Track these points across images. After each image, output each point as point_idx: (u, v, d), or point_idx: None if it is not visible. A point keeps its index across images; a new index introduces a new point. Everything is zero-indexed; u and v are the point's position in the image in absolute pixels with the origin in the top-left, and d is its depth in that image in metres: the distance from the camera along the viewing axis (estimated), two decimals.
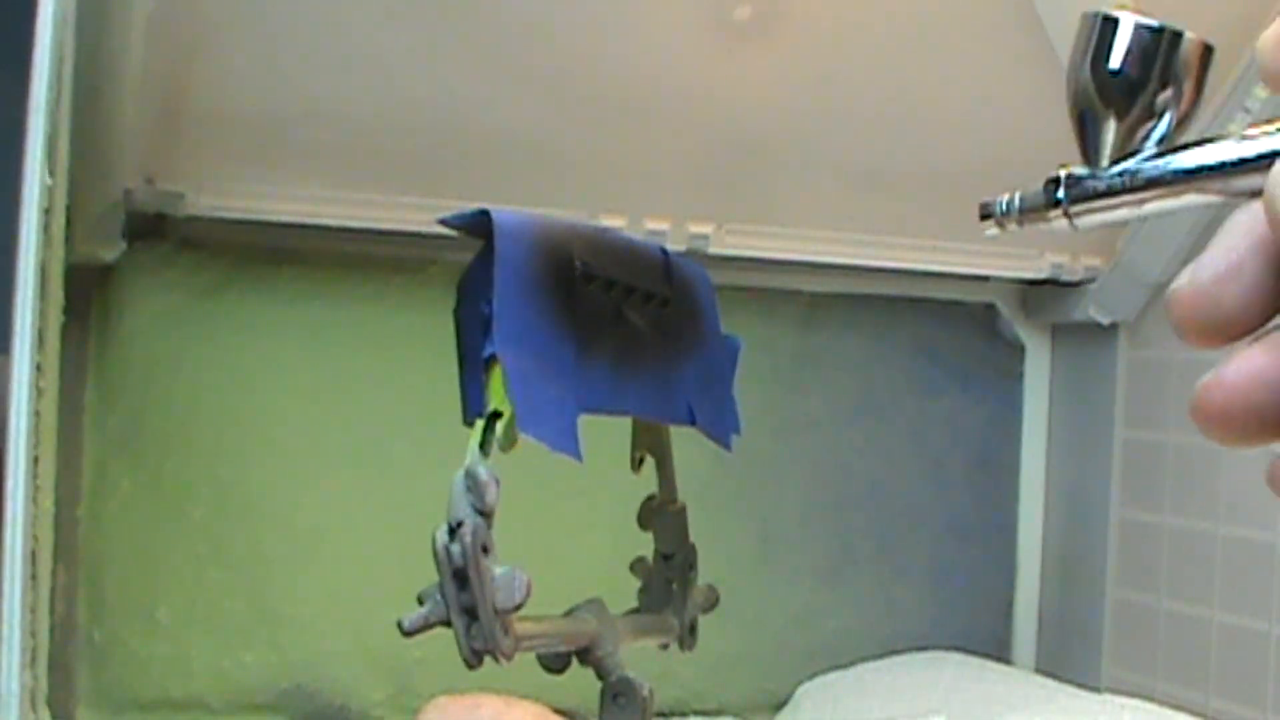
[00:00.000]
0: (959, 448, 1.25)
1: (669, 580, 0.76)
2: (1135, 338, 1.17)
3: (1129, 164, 0.32)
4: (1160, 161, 0.32)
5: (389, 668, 1.06)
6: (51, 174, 0.62)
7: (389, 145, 0.94)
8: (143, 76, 0.83)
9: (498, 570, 0.58)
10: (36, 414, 0.61)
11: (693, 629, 0.76)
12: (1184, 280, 0.29)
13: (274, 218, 0.96)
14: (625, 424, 0.78)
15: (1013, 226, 0.35)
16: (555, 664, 0.69)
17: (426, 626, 0.59)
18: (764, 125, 0.99)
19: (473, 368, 0.61)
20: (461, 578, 0.57)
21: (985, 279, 1.21)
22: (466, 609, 0.58)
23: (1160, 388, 1.14)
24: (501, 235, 0.60)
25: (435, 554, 0.58)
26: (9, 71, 0.63)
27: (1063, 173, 0.34)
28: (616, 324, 0.66)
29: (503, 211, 0.61)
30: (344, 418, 1.05)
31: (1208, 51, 0.32)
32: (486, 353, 0.59)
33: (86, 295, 0.98)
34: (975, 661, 1.14)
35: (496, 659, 0.59)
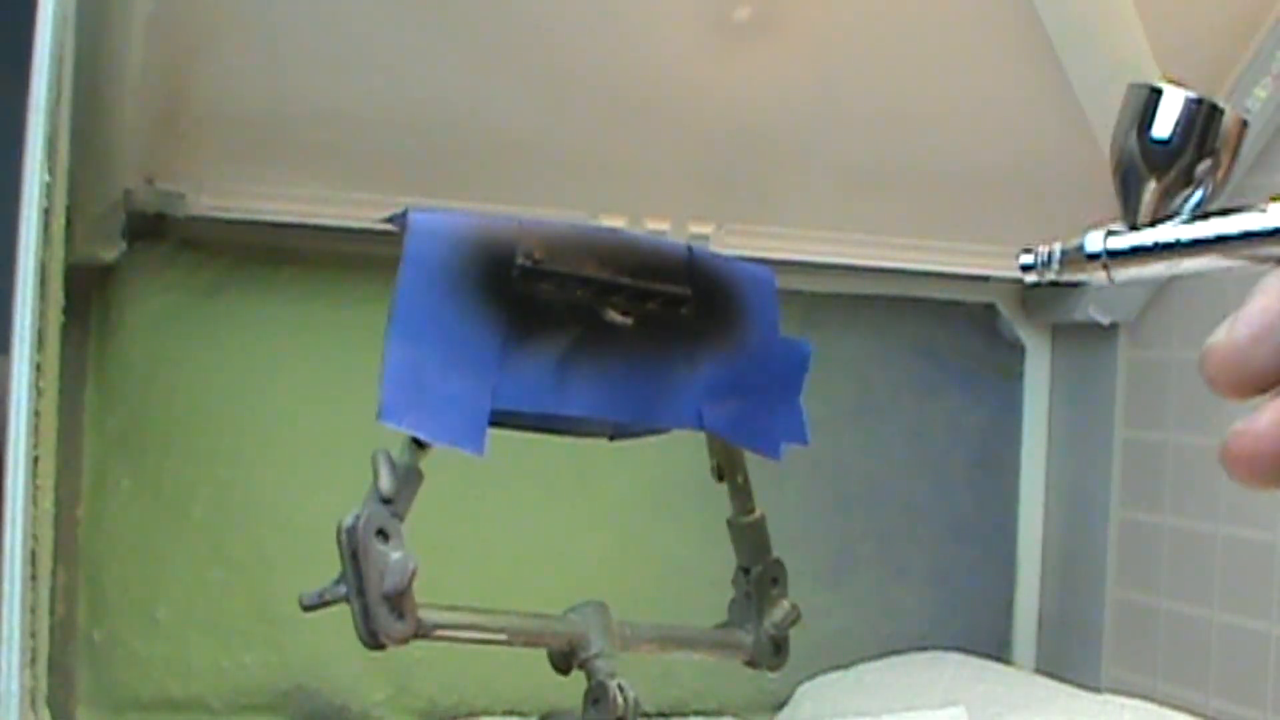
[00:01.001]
0: (959, 448, 1.25)
1: (747, 594, 0.75)
2: (1135, 338, 1.17)
3: (1168, 226, 0.35)
4: (1195, 226, 0.34)
5: (389, 668, 1.05)
6: (51, 174, 0.62)
7: (389, 145, 0.94)
8: (143, 76, 0.83)
9: (393, 556, 0.59)
10: (36, 414, 0.61)
11: (778, 648, 0.74)
12: (1220, 337, 0.32)
13: (274, 218, 0.96)
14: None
15: (1050, 277, 0.37)
16: (560, 665, 0.69)
17: (322, 604, 0.61)
18: (764, 125, 0.99)
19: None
20: (356, 561, 0.59)
21: (985, 279, 1.21)
22: (361, 593, 0.59)
23: (1160, 388, 1.14)
24: (414, 235, 0.61)
25: (337, 538, 0.59)
26: (9, 71, 0.63)
27: (1103, 231, 0.36)
28: (577, 322, 0.65)
29: (425, 211, 0.62)
30: (344, 418, 1.05)
31: (1244, 126, 0.34)
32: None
33: (86, 295, 0.98)
34: (975, 661, 1.14)
35: (402, 640, 0.60)
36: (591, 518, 1.12)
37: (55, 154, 0.63)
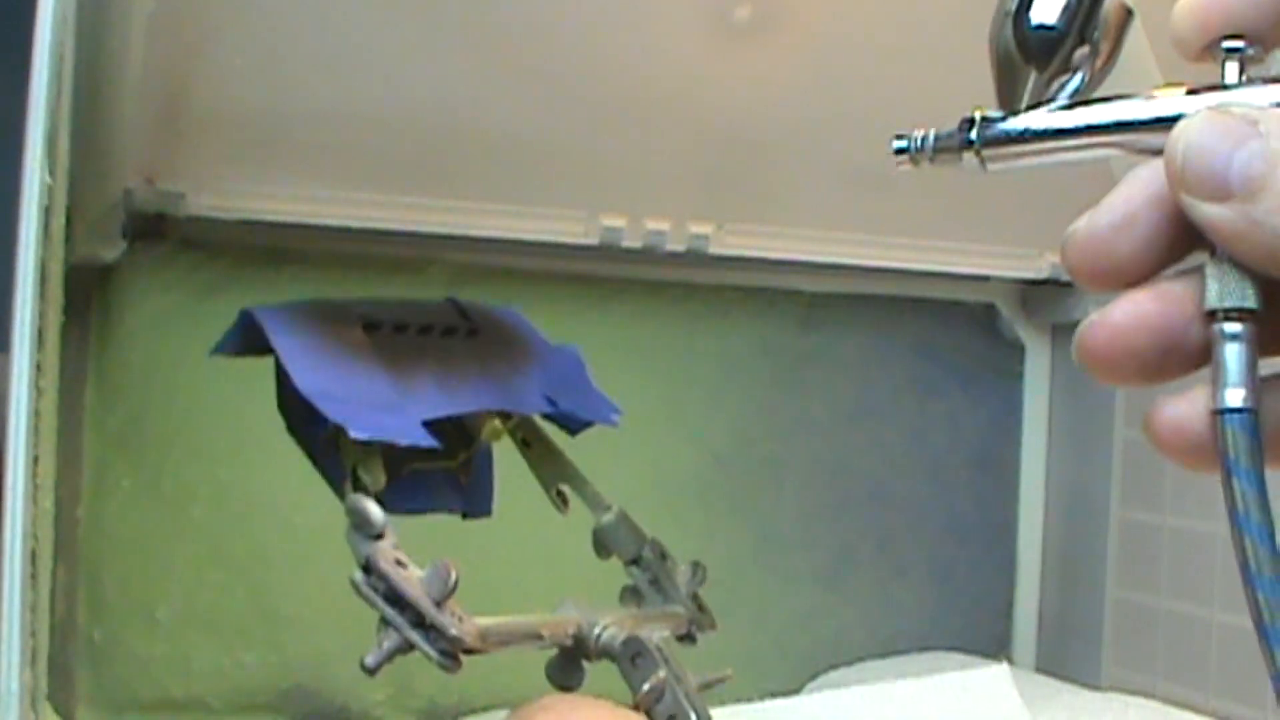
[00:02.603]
0: (959, 448, 1.25)
1: (651, 581, 0.76)
2: None
3: (1042, 113, 0.34)
4: (1072, 114, 0.33)
5: (389, 668, 1.05)
6: (51, 174, 0.62)
7: (389, 145, 0.94)
8: (143, 76, 0.83)
9: (420, 572, 0.59)
10: (36, 414, 0.61)
11: (700, 607, 0.76)
12: (1081, 225, 0.31)
13: (274, 218, 0.96)
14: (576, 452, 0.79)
15: (925, 164, 0.36)
16: (566, 679, 0.69)
17: (388, 657, 0.60)
18: (764, 125, 0.99)
19: (325, 457, 0.64)
20: (393, 599, 0.58)
21: (985, 279, 1.21)
22: (416, 623, 0.59)
23: (1161, 387, 1.14)
24: (271, 328, 0.64)
25: (361, 594, 0.59)
26: (9, 71, 0.63)
27: (977, 114, 0.35)
28: (422, 351, 0.69)
29: (260, 310, 0.65)
30: None
31: (1128, 14, 0.33)
32: (320, 424, 0.62)
33: (86, 295, 0.98)
34: (976, 661, 1.14)
35: (471, 651, 0.59)
36: (588, 518, 1.12)
37: (55, 154, 0.63)
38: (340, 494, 0.64)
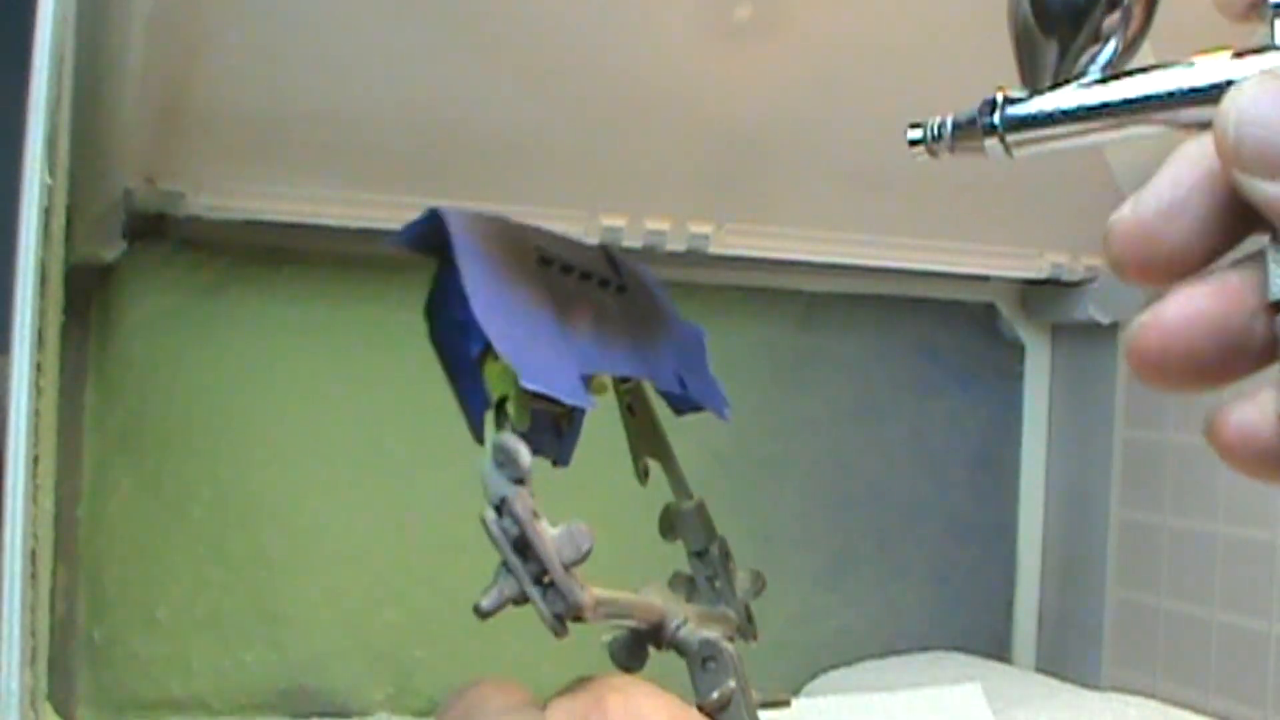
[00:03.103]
0: (959, 448, 1.25)
1: (710, 578, 0.76)
2: None
3: (1072, 89, 0.30)
4: (1104, 88, 0.30)
5: (389, 667, 1.06)
6: (51, 174, 0.62)
7: (389, 145, 0.94)
8: (143, 76, 0.83)
9: (554, 530, 0.57)
10: (36, 414, 0.61)
11: (749, 618, 0.76)
12: (1125, 212, 0.27)
13: (274, 218, 0.96)
14: (611, 425, 0.78)
15: (945, 153, 0.33)
16: (631, 660, 0.68)
17: (503, 604, 0.58)
18: (764, 125, 0.99)
19: (466, 377, 0.60)
20: (522, 547, 0.56)
21: (985, 279, 1.21)
22: (536, 577, 0.57)
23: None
24: (456, 230, 0.60)
25: (490, 534, 0.57)
26: (9, 71, 0.63)
27: (999, 95, 0.32)
28: (585, 300, 0.67)
29: (451, 208, 0.61)
30: (344, 418, 1.05)
31: None
32: (473, 343, 0.59)
33: (86, 295, 0.98)
34: (976, 661, 1.14)
35: (580, 618, 0.58)
36: (590, 517, 1.12)
37: (55, 154, 0.63)
38: (468, 413, 0.62)
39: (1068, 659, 1.22)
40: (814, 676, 1.15)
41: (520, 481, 0.57)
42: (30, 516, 0.60)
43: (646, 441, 0.77)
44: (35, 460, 0.61)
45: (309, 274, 1.04)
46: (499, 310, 0.58)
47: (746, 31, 0.91)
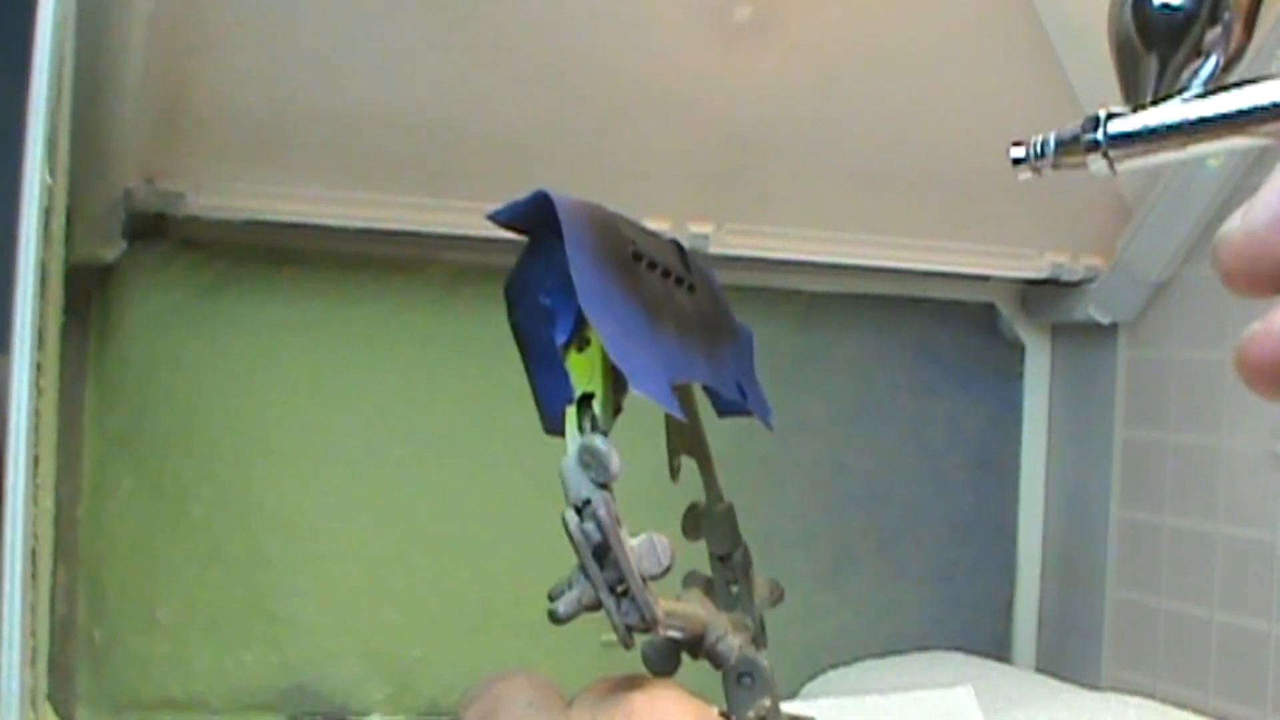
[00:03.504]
0: (959, 448, 1.25)
1: (729, 583, 0.75)
2: (1135, 338, 1.17)
3: (1172, 104, 0.30)
4: (1206, 102, 0.30)
5: (389, 667, 1.06)
6: (51, 174, 0.62)
7: (389, 145, 0.94)
8: (143, 76, 0.83)
9: (634, 541, 0.56)
10: (36, 414, 0.61)
11: (762, 628, 0.75)
12: (1235, 224, 0.27)
13: (274, 218, 0.96)
14: (626, 424, 0.77)
15: (1048, 171, 0.33)
16: (665, 665, 0.67)
17: (580, 611, 0.56)
18: (764, 125, 0.99)
19: (546, 364, 0.58)
20: (601, 554, 0.55)
21: (985, 279, 1.21)
22: (612, 586, 0.55)
23: (1160, 388, 1.14)
24: (565, 213, 0.57)
25: (570, 536, 0.55)
26: (9, 71, 0.63)
27: (1103, 112, 0.32)
28: (668, 300, 0.65)
29: (558, 198, 0.59)
30: (344, 418, 1.05)
31: None
32: (560, 332, 0.57)
33: (86, 295, 0.98)
34: (976, 660, 1.14)
35: (649, 630, 0.56)
36: None
37: (55, 154, 0.63)
38: (542, 402, 0.60)
39: (1068, 659, 1.22)
40: (814, 676, 1.15)
41: (605, 486, 0.55)
42: (30, 516, 0.60)
43: (685, 440, 0.75)
44: (35, 460, 0.61)
45: (309, 274, 1.04)
46: (606, 306, 0.56)
47: (746, 31, 0.91)
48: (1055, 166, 0.33)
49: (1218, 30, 0.29)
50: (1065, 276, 1.16)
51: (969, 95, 1.00)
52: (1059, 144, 0.32)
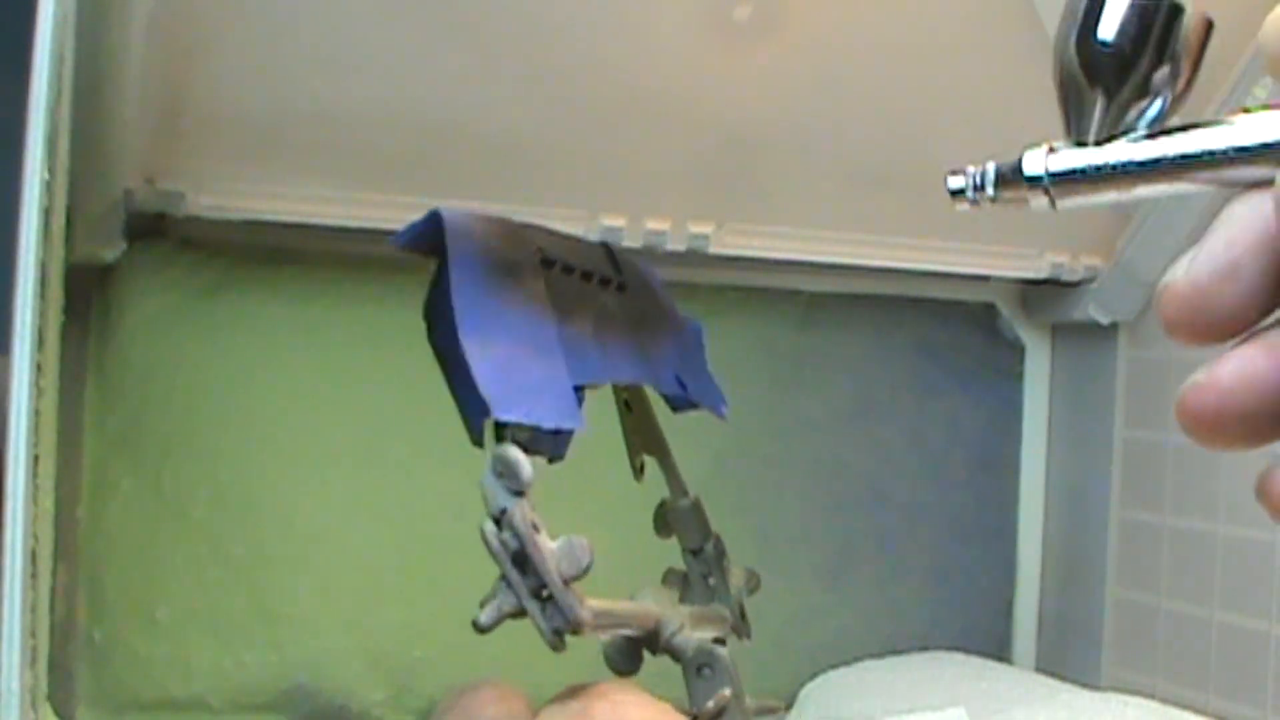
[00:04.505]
0: (959, 448, 1.25)
1: (704, 575, 0.76)
2: (1135, 338, 1.17)
3: (1118, 144, 0.30)
4: (1152, 144, 0.29)
5: (389, 668, 1.06)
6: (51, 173, 0.62)
7: (389, 145, 0.94)
8: (143, 76, 0.83)
9: (554, 543, 0.56)
10: (36, 414, 0.61)
11: (743, 615, 0.75)
12: (1178, 275, 0.28)
13: (274, 218, 0.96)
14: (607, 425, 0.77)
15: (986, 204, 0.33)
16: (627, 664, 0.67)
17: (501, 619, 0.57)
18: (764, 125, 0.99)
19: (465, 382, 0.60)
20: (521, 561, 0.56)
21: (985, 279, 1.21)
22: (535, 591, 0.56)
23: (1160, 388, 1.14)
24: (453, 235, 0.59)
25: (489, 547, 0.56)
26: (9, 71, 0.63)
27: (1044, 148, 0.31)
28: (587, 302, 0.66)
29: (454, 211, 0.60)
30: (344, 418, 1.05)
31: (1208, 28, 0.30)
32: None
33: (86, 295, 0.98)
34: (976, 661, 1.14)
35: (578, 632, 0.57)
36: (590, 518, 1.12)
37: (55, 154, 0.63)
38: (465, 416, 0.61)
39: (1068, 659, 1.22)
40: (814, 676, 1.15)
41: (520, 494, 0.56)
42: (30, 516, 0.60)
43: (643, 439, 0.76)
44: (35, 460, 0.61)
45: (309, 274, 1.04)
46: (487, 325, 0.57)
47: (746, 31, 0.91)
48: (994, 200, 0.33)
49: (1164, 71, 0.29)
50: (1065, 276, 1.16)
51: (969, 95, 1.00)
52: (999, 177, 0.32)
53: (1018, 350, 1.27)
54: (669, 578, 0.76)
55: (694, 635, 0.64)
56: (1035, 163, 0.31)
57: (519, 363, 0.58)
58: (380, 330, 1.05)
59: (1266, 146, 0.27)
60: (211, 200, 0.94)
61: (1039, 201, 0.32)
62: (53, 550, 0.76)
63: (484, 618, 0.56)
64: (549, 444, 0.63)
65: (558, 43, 0.90)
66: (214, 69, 0.86)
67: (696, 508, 0.76)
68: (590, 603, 0.58)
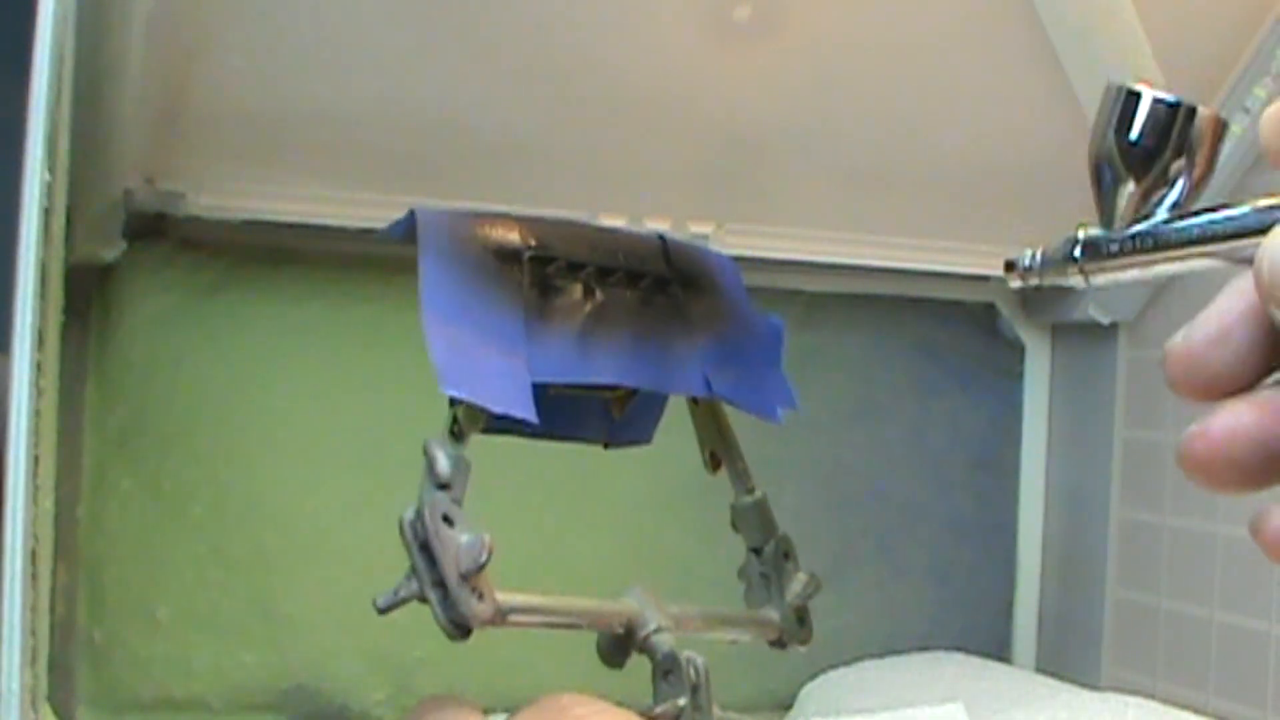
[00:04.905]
0: (959, 448, 1.25)
1: (762, 575, 0.76)
2: (1135, 338, 1.17)
3: (1142, 227, 0.34)
4: (1171, 227, 0.34)
5: (389, 668, 1.06)
6: (51, 173, 0.62)
7: (388, 145, 0.94)
8: (143, 76, 0.83)
9: (465, 537, 0.58)
10: (36, 414, 0.61)
11: (801, 620, 0.75)
12: (1179, 339, 0.31)
13: (274, 218, 0.96)
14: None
15: (1034, 281, 0.37)
16: (614, 658, 0.68)
17: (397, 603, 0.59)
18: (764, 125, 0.99)
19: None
20: (427, 551, 0.58)
21: (985, 279, 1.21)
22: (438, 582, 0.58)
23: (1160, 388, 1.14)
24: (424, 228, 0.61)
25: (402, 535, 0.58)
26: (9, 71, 0.63)
27: (1080, 234, 0.36)
28: (578, 302, 0.66)
29: (429, 209, 0.62)
30: (344, 418, 1.05)
31: (1221, 125, 0.34)
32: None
33: (86, 295, 0.98)
34: (976, 661, 1.14)
35: (472, 625, 0.59)
36: (591, 518, 1.12)
37: (55, 154, 0.63)
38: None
39: (1068, 659, 1.22)
40: (814, 676, 1.15)
41: (443, 486, 0.58)
42: (30, 516, 0.60)
43: (709, 430, 0.76)
44: (35, 460, 0.61)
45: (309, 274, 1.04)
46: (450, 313, 0.59)
47: (746, 31, 0.91)
48: (1041, 279, 0.37)
49: (1182, 161, 0.34)
50: None
51: (969, 95, 1.00)
52: (1044, 260, 0.37)
53: (1018, 350, 1.27)
54: (741, 573, 0.77)
55: (669, 639, 0.65)
56: (1071, 246, 0.36)
57: (477, 349, 0.60)
58: (380, 330, 1.05)
59: (1264, 228, 0.30)
60: (211, 200, 0.94)
61: (1075, 279, 0.36)
62: (53, 550, 0.76)
63: (381, 601, 0.59)
64: (597, 430, 0.64)
65: (557, 43, 0.90)
66: (214, 69, 0.86)
67: (760, 506, 0.76)
68: (505, 597, 0.59)
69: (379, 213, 0.97)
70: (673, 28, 0.91)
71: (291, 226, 0.97)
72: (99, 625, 0.99)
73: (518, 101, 0.93)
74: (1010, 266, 0.38)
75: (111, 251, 0.95)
